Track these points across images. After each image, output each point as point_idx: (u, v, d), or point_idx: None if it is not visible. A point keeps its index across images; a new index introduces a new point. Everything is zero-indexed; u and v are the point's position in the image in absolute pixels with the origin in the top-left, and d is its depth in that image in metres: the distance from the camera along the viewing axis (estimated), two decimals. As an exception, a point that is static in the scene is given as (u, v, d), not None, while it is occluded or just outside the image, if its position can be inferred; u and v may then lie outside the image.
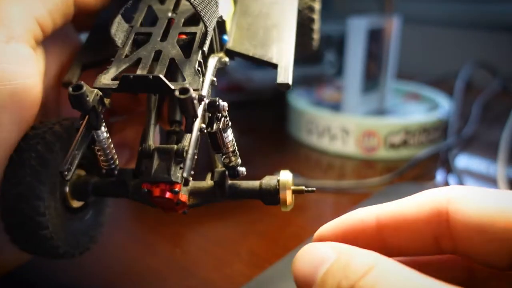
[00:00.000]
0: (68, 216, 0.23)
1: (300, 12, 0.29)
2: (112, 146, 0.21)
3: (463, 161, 0.49)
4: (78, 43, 0.27)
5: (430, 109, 0.56)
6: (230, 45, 0.24)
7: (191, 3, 0.20)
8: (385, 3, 0.53)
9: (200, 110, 0.18)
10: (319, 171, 0.48)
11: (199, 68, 0.20)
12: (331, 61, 0.71)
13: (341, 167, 0.48)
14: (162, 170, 0.20)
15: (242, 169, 0.21)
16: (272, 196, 0.21)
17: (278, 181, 0.22)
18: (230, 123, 0.20)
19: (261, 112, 0.66)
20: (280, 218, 0.37)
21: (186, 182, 0.19)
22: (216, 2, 0.22)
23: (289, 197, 0.21)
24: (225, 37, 0.24)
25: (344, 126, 0.49)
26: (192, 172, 0.19)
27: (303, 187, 0.22)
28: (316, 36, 0.32)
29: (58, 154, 0.21)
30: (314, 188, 0.21)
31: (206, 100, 0.19)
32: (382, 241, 0.18)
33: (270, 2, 0.27)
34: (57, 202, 0.22)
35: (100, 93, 0.19)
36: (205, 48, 0.21)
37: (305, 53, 0.33)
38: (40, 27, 0.23)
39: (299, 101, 0.55)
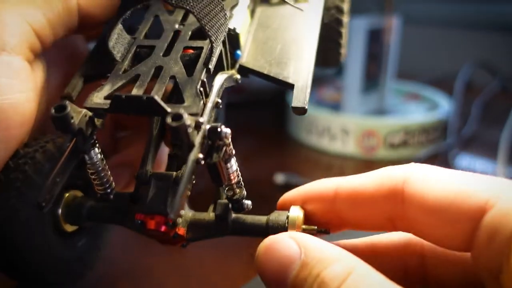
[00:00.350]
0: (59, 241, 0.21)
1: (326, 25, 0.27)
2: (107, 168, 0.19)
3: (463, 161, 0.49)
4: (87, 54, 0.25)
5: (430, 109, 0.56)
6: (243, 60, 0.22)
7: (194, 15, 0.18)
8: (385, 3, 0.53)
9: (198, 138, 0.16)
10: (318, 171, 0.48)
11: (202, 89, 0.18)
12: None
13: (340, 167, 0.48)
14: (158, 200, 0.18)
15: (248, 202, 0.19)
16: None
17: (287, 218, 0.19)
18: (233, 152, 0.18)
19: (261, 112, 0.66)
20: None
21: (173, 225, 0.18)
22: (225, 14, 0.20)
23: None
24: (239, 52, 0.22)
25: (344, 126, 0.49)
26: (184, 209, 0.18)
27: (315, 227, 0.18)
28: (343, 50, 0.30)
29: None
30: (328, 230, 0.19)
31: (207, 126, 0.17)
32: (339, 212, 0.18)
33: (292, 13, 0.25)
34: (46, 227, 0.20)
35: (90, 113, 0.18)
36: (211, 66, 0.19)
37: (329, 68, 0.32)
38: (38, 38, 0.21)
39: (299, 101, 0.55)
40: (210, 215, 0.20)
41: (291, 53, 0.22)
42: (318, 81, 0.65)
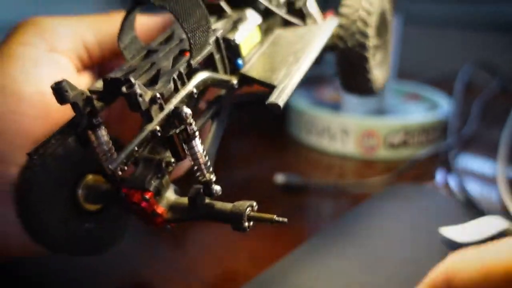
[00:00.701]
0: (79, 218, 0.22)
1: (350, 50, 0.28)
2: (113, 150, 0.20)
3: (463, 161, 0.49)
4: None
5: (429, 109, 0.56)
6: (244, 69, 0.24)
7: (172, 13, 0.20)
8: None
9: (161, 115, 0.19)
10: (318, 171, 0.48)
11: (176, 77, 0.20)
12: (331, 61, 0.71)
13: (340, 167, 0.48)
14: (140, 178, 0.20)
15: (217, 188, 0.20)
16: (238, 222, 0.20)
17: (251, 207, 0.20)
18: (196, 133, 0.19)
19: (261, 112, 0.66)
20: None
21: (145, 199, 0.19)
22: (207, 18, 0.21)
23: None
24: (240, 61, 0.24)
25: (343, 126, 0.49)
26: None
27: (274, 217, 0.19)
28: (373, 76, 0.30)
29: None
30: (285, 220, 0.19)
31: (172, 107, 0.19)
32: None
33: (303, 32, 0.26)
34: (64, 205, 0.22)
35: (88, 93, 0.19)
36: (192, 62, 0.21)
37: (364, 95, 0.31)
38: (86, 51, 0.24)
39: (298, 101, 0.55)
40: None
41: (287, 62, 0.24)
42: (318, 81, 0.65)
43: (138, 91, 0.18)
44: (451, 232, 0.31)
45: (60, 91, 0.18)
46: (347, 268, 0.29)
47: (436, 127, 0.51)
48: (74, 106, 0.19)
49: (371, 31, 0.28)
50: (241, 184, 0.44)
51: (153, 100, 0.19)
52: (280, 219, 0.19)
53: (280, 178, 0.43)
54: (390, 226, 0.34)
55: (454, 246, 0.31)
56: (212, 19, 0.24)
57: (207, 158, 0.20)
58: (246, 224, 0.19)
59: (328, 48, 0.29)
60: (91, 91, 0.20)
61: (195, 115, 0.21)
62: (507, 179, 0.43)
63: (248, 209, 0.19)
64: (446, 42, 0.86)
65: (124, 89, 0.18)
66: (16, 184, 0.20)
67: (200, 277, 0.30)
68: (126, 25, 0.23)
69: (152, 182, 0.19)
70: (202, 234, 0.35)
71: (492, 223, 0.31)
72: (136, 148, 0.18)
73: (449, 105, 0.55)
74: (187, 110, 0.19)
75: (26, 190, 0.20)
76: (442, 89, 0.63)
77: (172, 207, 0.21)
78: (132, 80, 0.18)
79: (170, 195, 0.21)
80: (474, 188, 0.42)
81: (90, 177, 0.23)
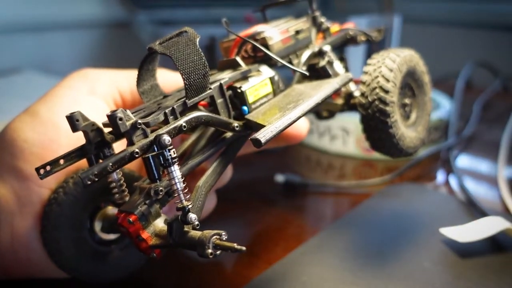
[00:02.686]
0: (93, 246, 0.26)
1: (371, 115, 0.28)
2: (122, 182, 0.24)
3: (463, 161, 0.49)
4: None
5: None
6: (248, 115, 0.26)
7: (170, 58, 0.23)
8: (385, 3, 0.53)
9: (143, 141, 0.21)
10: (319, 171, 0.48)
11: (168, 112, 0.22)
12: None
13: (341, 167, 0.48)
14: (132, 203, 0.22)
15: (192, 216, 0.21)
16: (202, 249, 0.20)
17: (218, 235, 0.20)
18: (174, 160, 0.21)
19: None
20: (280, 218, 0.37)
21: (130, 221, 0.21)
22: (204, 64, 0.23)
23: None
24: (245, 107, 0.26)
25: (344, 126, 0.49)
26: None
27: (234, 245, 0.20)
28: (401, 140, 0.29)
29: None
30: (243, 248, 0.19)
31: (165, 137, 0.21)
32: None
33: (315, 84, 0.28)
34: (81, 234, 0.25)
35: (98, 125, 0.21)
36: (188, 101, 0.23)
37: (394, 156, 0.31)
38: (120, 97, 0.28)
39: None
40: None
41: (286, 109, 0.25)
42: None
43: (119, 115, 0.20)
44: (452, 232, 0.31)
45: (71, 120, 0.20)
46: (347, 268, 0.29)
47: (437, 127, 0.51)
48: (84, 134, 0.21)
49: (391, 98, 0.28)
50: (241, 184, 0.44)
51: (134, 125, 0.21)
52: (239, 247, 0.20)
53: (280, 178, 0.43)
54: (390, 226, 0.34)
55: (454, 245, 0.31)
56: (227, 72, 0.27)
57: (183, 185, 0.21)
58: (210, 251, 0.20)
59: (352, 106, 0.31)
60: (104, 124, 0.22)
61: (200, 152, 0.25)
62: (508, 179, 0.43)
63: (214, 237, 0.20)
64: (446, 41, 0.86)
65: (108, 113, 0.20)
66: (43, 213, 0.24)
67: (200, 278, 0.30)
68: (144, 73, 0.26)
69: (139, 207, 0.21)
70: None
71: (492, 223, 0.31)
72: (110, 164, 0.20)
73: (449, 105, 0.55)
74: (166, 138, 0.21)
75: (45, 218, 0.24)
76: (443, 89, 0.63)
77: (157, 235, 0.22)
78: (119, 110, 0.20)
79: (159, 223, 0.22)
80: (475, 188, 0.42)
81: (109, 208, 0.26)
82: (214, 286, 0.29)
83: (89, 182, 0.20)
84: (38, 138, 0.24)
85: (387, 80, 0.28)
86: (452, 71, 0.73)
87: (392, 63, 0.29)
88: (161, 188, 0.22)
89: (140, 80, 0.26)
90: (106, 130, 0.22)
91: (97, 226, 0.26)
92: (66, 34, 0.80)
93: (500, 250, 0.30)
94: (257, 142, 0.22)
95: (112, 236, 0.26)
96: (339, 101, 0.32)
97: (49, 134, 0.24)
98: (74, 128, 0.20)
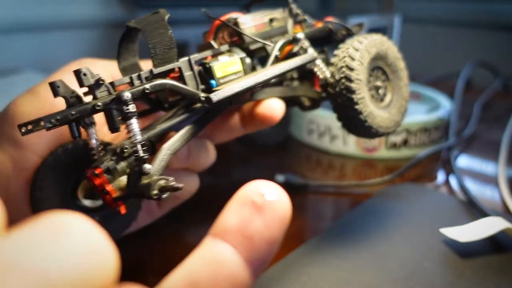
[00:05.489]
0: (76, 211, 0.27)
1: (338, 93, 0.30)
2: (99, 151, 0.25)
3: (463, 161, 0.49)
4: None
5: (430, 109, 0.56)
6: (216, 87, 0.28)
7: (141, 33, 0.26)
8: (385, 3, 0.53)
9: (107, 98, 0.23)
10: (319, 171, 0.48)
11: (134, 77, 0.25)
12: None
13: (341, 167, 0.48)
14: (100, 160, 0.23)
15: (147, 166, 0.23)
16: (148, 191, 0.22)
17: (166, 180, 0.22)
18: (133, 114, 0.23)
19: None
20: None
21: (96, 174, 0.22)
22: (172, 40, 0.26)
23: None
24: (212, 81, 0.28)
25: (344, 126, 0.49)
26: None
27: (173, 184, 0.22)
28: (369, 118, 0.30)
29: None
30: (180, 185, 0.21)
31: (126, 93, 0.23)
32: None
33: (282, 63, 0.30)
34: (65, 199, 0.27)
35: (78, 93, 0.23)
36: (154, 69, 0.25)
37: (366, 136, 0.32)
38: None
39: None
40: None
41: (244, 80, 0.28)
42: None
43: (83, 71, 0.22)
44: (452, 232, 0.31)
45: (53, 86, 0.22)
46: (347, 268, 0.29)
47: (437, 127, 0.51)
48: (65, 100, 0.23)
49: (356, 75, 0.30)
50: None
51: (97, 81, 0.23)
52: (177, 185, 0.21)
53: (280, 178, 0.43)
54: (391, 226, 0.34)
55: (454, 245, 0.31)
56: (205, 53, 0.29)
57: (141, 137, 0.23)
58: (154, 192, 0.21)
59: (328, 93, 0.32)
60: (84, 93, 0.24)
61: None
62: (508, 179, 0.43)
63: (161, 181, 0.22)
64: (447, 41, 0.86)
65: (76, 72, 0.22)
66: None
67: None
68: (124, 51, 0.27)
69: (105, 162, 0.23)
70: (202, 234, 0.35)
71: (492, 223, 0.31)
72: (72, 112, 0.22)
73: (450, 105, 0.55)
74: (127, 94, 0.23)
75: (33, 181, 0.26)
76: (443, 89, 0.63)
77: (121, 188, 0.23)
78: (83, 68, 0.22)
79: (125, 179, 0.23)
80: (475, 188, 0.42)
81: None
82: (214, 286, 0.29)
83: (50, 125, 0.22)
84: (35, 112, 0.26)
85: (353, 59, 0.30)
86: (452, 71, 0.73)
87: (359, 44, 0.30)
88: (126, 146, 0.23)
89: (120, 58, 0.27)
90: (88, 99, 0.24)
91: (81, 194, 0.27)
92: (66, 34, 0.80)
93: (500, 250, 0.30)
94: (207, 100, 0.25)
95: (95, 204, 0.27)
96: (319, 88, 0.33)
97: (45, 110, 0.26)
98: (55, 94, 0.23)
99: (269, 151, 0.53)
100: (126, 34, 0.27)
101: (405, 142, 0.49)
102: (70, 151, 0.26)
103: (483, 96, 0.67)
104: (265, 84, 0.30)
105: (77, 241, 0.11)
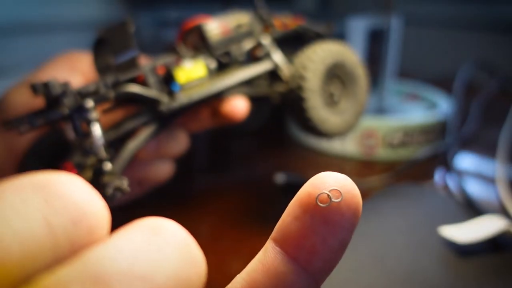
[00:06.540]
0: None
1: (291, 91, 0.32)
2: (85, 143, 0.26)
3: (462, 161, 0.49)
4: None
5: (429, 109, 0.56)
6: (179, 92, 0.30)
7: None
8: (385, 3, 0.53)
9: (70, 102, 0.25)
10: (318, 171, 0.48)
11: (100, 84, 0.26)
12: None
13: (340, 167, 0.48)
14: (72, 155, 0.26)
15: (107, 165, 0.25)
16: (103, 190, 0.24)
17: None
18: (96, 119, 0.25)
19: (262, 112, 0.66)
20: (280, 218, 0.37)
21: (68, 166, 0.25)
22: (134, 46, 0.28)
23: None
24: (174, 85, 0.29)
25: (343, 126, 0.49)
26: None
27: (122, 186, 0.25)
28: (321, 122, 0.33)
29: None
30: (128, 190, 0.25)
31: (88, 101, 0.25)
32: None
33: (246, 69, 0.32)
34: None
35: (74, 91, 0.25)
36: (120, 77, 0.27)
37: (315, 136, 0.34)
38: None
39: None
40: None
41: (212, 85, 0.30)
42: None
43: (51, 83, 0.24)
44: (450, 231, 0.31)
45: (34, 88, 0.24)
46: (347, 267, 0.29)
47: (436, 127, 0.51)
48: (45, 99, 0.25)
49: (310, 76, 0.31)
50: (241, 184, 0.44)
51: (64, 92, 0.25)
52: (124, 188, 0.25)
53: (280, 178, 0.43)
54: (389, 226, 0.34)
55: (453, 246, 0.31)
56: (170, 57, 0.31)
57: (102, 141, 0.25)
58: (110, 191, 0.24)
59: (279, 95, 0.35)
60: (52, 102, 0.26)
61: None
62: (507, 179, 0.43)
63: (116, 181, 0.24)
64: (445, 42, 0.86)
65: (44, 84, 0.24)
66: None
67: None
68: (98, 53, 0.29)
69: (76, 157, 0.25)
70: (202, 234, 0.35)
71: (491, 223, 0.31)
72: (40, 119, 0.24)
73: (448, 105, 0.55)
74: (89, 103, 0.25)
75: (21, 161, 0.30)
76: (442, 89, 0.63)
77: (88, 181, 0.25)
78: (52, 80, 0.24)
79: (91, 173, 0.26)
80: (474, 188, 0.42)
81: None
82: (214, 285, 0.29)
83: (22, 131, 0.24)
84: (24, 101, 0.30)
85: (307, 70, 0.32)
86: (451, 71, 0.73)
87: (314, 56, 0.32)
88: (89, 147, 0.25)
89: (95, 61, 0.29)
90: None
91: None
92: (66, 34, 0.80)
93: (500, 250, 0.31)
94: (160, 111, 0.28)
95: None
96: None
97: (32, 98, 0.29)
98: (35, 93, 0.25)
99: (269, 151, 0.53)
100: (97, 41, 0.29)
101: (403, 142, 0.49)
102: (52, 142, 0.29)
103: (482, 96, 0.67)
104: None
105: (175, 247, 0.11)
